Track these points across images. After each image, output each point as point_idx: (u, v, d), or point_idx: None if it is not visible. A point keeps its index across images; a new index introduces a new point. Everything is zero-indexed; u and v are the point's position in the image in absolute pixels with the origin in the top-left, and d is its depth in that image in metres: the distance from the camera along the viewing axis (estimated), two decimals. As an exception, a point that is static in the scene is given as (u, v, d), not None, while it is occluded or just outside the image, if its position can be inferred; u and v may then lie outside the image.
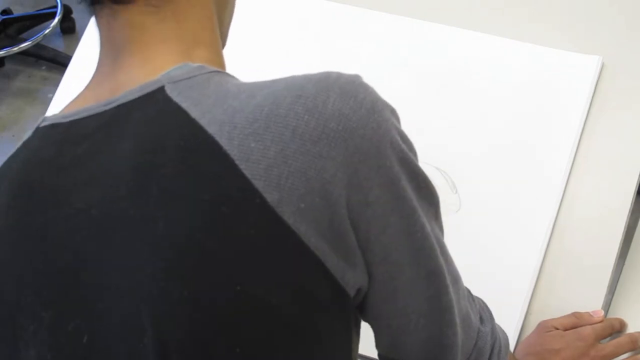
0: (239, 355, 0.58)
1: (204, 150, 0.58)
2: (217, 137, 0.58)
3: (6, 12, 3.04)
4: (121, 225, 0.60)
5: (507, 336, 0.78)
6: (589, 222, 0.98)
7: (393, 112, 0.63)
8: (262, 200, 0.57)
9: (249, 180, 0.57)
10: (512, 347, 0.95)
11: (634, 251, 1.03)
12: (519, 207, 1.00)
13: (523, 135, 1.02)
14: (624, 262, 1.02)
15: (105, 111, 0.64)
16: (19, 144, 0.70)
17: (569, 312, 0.95)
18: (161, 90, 0.62)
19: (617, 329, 0.94)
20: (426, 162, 1.05)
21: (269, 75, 1.18)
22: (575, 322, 0.94)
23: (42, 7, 3.09)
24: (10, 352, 0.65)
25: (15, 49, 2.85)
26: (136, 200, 0.60)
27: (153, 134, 0.61)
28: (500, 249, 0.99)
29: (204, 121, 0.59)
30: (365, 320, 0.68)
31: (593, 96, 1.02)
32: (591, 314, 0.94)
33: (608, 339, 0.94)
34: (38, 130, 0.68)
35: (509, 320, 0.95)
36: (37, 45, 2.88)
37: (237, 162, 0.57)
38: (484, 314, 0.75)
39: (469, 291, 0.74)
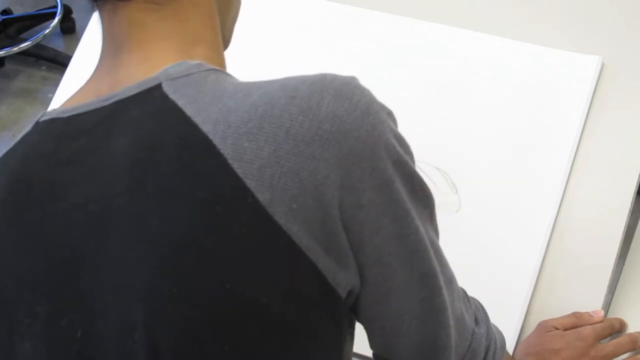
0: (228, 352, 0.59)
1: (198, 148, 0.58)
2: (211, 136, 0.58)
3: (6, 12, 3.04)
4: (117, 222, 0.60)
5: (503, 337, 0.78)
6: (589, 222, 0.98)
7: (389, 114, 0.63)
8: (254, 199, 0.57)
9: (241, 179, 0.57)
10: (512, 347, 0.95)
11: (634, 251, 1.03)
12: (519, 207, 1.00)
13: (523, 135, 1.02)
14: (624, 262, 1.02)
15: (104, 107, 0.64)
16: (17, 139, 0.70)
17: (569, 312, 0.95)
18: (158, 87, 0.62)
19: (617, 329, 0.94)
20: (426, 162, 1.05)
21: (269, 75, 1.18)
22: (575, 322, 0.94)
23: (42, 7, 3.09)
24: (5, 345, 0.65)
25: (15, 49, 2.85)
26: (132, 196, 0.60)
27: (150, 131, 0.61)
28: (500, 249, 0.99)
29: (198, 119, 0.59)
30: (359, 321, 0.68)
31: (593, 96, 1.02)
32: (591, 314, 0.94)
33: (608, 339, 0.94)
34: (37, 124, 0.68)
35: (509, 320, 0.96)
36: (37, 45, 2.88)
37: (230, 161, 0.57)
38: (479, 315, 0.75)
39: (464, 292, 0.74)
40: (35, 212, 0.64)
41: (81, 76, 0.71)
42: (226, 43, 0.76)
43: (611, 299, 0.99)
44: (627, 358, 0.92)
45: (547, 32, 1.06)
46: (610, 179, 0.99)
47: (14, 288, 0.65)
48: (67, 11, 3.02)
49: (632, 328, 0.95)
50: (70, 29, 3.08)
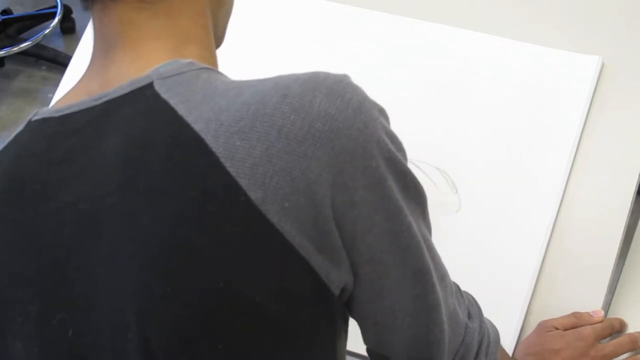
0: (222, 351, 0.59)
1: (190, 147, 0.58)
2: (203, 135, 0.58)
3: (6, 12, 3.04)
4: (109, 220, 0.60)
5: (497, 331, 0.79)
6: (589, 222, 0.98)
7: (381, 111, 0.63)
8: (247, 198, 0.57)
9: (233, 178, 0.57)
10: (512, 347, 0.95)
11: (634, 251, 1.03)
12: (519, 207, 1.00)
13: (523, 135, 1.02)
14: (624, 262, 1.02)
15: (96, 106, 0.64)
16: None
17: (569, 312, 0.95)
18: (150, 86, 0.62)
19: (617, 329, 0.94)
20: (426, 162, 1.05)
21: (269, 75, 1.18)
22: (575, 322, 0.94)
23: (42, 7, 3.09)
24: None
25: (15, 49, 2.85)
26: (124, 195, 0.60)
27: (141, 130, 0.61)
28: (500, 249, 0.99)
29: (190, 118, 0.59)
30: (352, 318, 0.68)
31: (593, 96, 1.02)
32: (591, 314, 0.94)
33: (608, 339, 0.94)
34: (30, 124, 0.68)
35: (509, 320, 0.96)
36: (37, 45, 2.88)
37: (222, 159, 0.57)
38: (473, 309, 0.75)
39: (457, 287, 0.74)
40: (28, 211, 0.64)
41: (81, 76, 0.71)
42: (219, 41, 0.76)
43: (611, 299, 0.99)
44: (627, 358, 0.92)
45: (547, 32, 1.06)
46: (610, 179, 0.99)
47: (7, 287, 0.65)
48: (67, 11, 3.02)
49: (632, 328, 0.95)
50: (70, 29, 3.08)
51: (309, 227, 0.58)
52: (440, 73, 1.05)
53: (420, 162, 1.05)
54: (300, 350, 0.62)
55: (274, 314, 0.59)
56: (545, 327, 0.94)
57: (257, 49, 1.14)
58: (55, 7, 2.98)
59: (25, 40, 2.89)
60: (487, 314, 0.96)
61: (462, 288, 0.97)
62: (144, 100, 0.62)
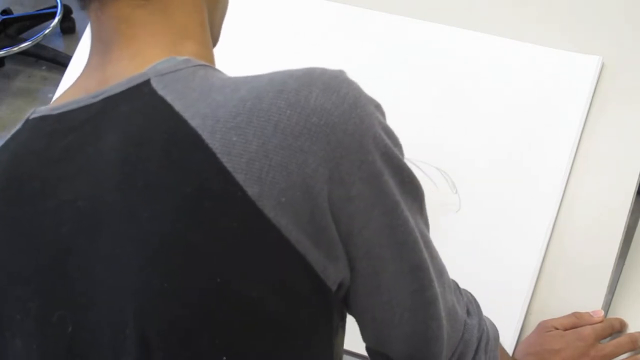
0: (219, 347, 0.59)
1: (187, 143, 0.59)
2: (200, 131, 0.58)
3: (6, 12, 3.04)
4: (107, 218, 0.61)
5: (496, 329, 0.79)
6: (589, 222, 0.98)
7: (377, 106, 0.63)
8: (243, 193, 0.57)
9: (230, 173, 0.57)
10: (512, 347, 0.95)
11: (634, 251, 1.03)
12: (519, 207, 1.00)
13: (523, 135, 1.02)
14: (624, 262, 1.02)
15: (93, 103, 0.64)
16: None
17: (569, 312, 0.95)
18: (147, 83, 0.62)
19: (617, 329, 0.94)
20: (426, 162, 1.05)
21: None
22: (575, 322, 0.94)
23: (42, 7, 3.09)
24: None
25: (15, 49, 2.85)
26: (122, 193, 0.60)
27: (139, 127, 0.61)
28: (500, 249, 0.99)
29: (187, 114, 0.59)
30: (350, 314, 0.68)
31: (593, 96, 1.02)
32: (591, 314, 0.94)
33: (608, 339, 0.94)
34: (27, 122, 0.68)
35: (509, 320, 0.96)
36: (37, 45, 2.87)
37: (218, 155, 0.58)
38: (471, 306, 0.75)
39: (456, 284, 0.74)
40: (27, 209, 0.65)
41: (79, 74, 0.71)
42: (215, 39, 0.76)
43: (611, 299, 0.99)
44: (627, 358, 0.92)
45: (547, 32, 1.06)
46: (610, 179, 0.99)
47: (6, 285, 0.65)
48: (67, 11, 3.02)
49: (632, 328, 0.95)
50: (70, 29, 3.08)
51: (305, 221, 0.59)
52: (440, 73, 1.05)
53: (420, 162, 1.05)
54: (297, 345, 0.62)
55: (271, 309, 0.59)
56: (545, 327, 0.94)
57: (257, 49, 1.14)
58: (55, 7, 2.98)
59: (25, 40, 2.89)
60: (487, 313, 0.96)
61: (462, 287, 0.97)
62: (141, 98, 0.62)
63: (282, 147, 0.58)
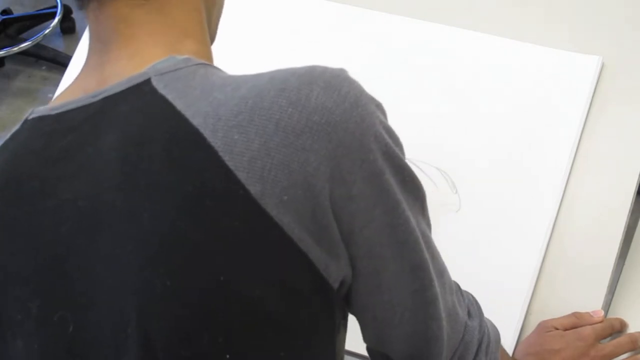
0: (221, 346, 0.59)
1: (189, 142, 0.59)
2: (202, 129, 0.58)
3: (6, 12, 3.04)
4: (107, 217, 0.60)
5: (498, 332, 0.79)
6: (589, 222, 0.98)
7: (378, 106, 0.63)
8: (246, 192, 0.57)
9: (232, 172, 0.57)
10: (512, 347, 0.95)
11: (634, 251, 1.03)
12: (519, 207, 1.00)
13: (523, 135, 1.02)
14: (624, 262, 1.02)
15: (93, 103, 0.64)
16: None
17: (569, 312, 0.95)
18: (147, 82, 0.62)
19: (618, 328, 0.94)
20: (426, 162, 1.05)
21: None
22: (576, 322, 0.94)
23: (42, 7, 3.09)
24: None
25: (15, 49, 2.85)
26: (122, 192, 0.60)
27: (139, 126, 0.61)
28: (500, 249, 0.99)
29: (189, 113, 0.59)
30: (351, 313, 0.68)
31: (593, 96, 1.02)
32: (591, 314, 0.94)
33: (608, 339, 0.94)
34: (26, 122, 0.68)
35: (509, 320, 0.96)
36: (37, 45, 2.87)
37: (220, 153, 0.58)
38: (472, 308, 0.75)
39: (457, 285, 0.74)
40: (26, 209, 0.64)
41: (77, 74, 0.71)
42: (212, 37, 0.76)
43: (611, 299, 0.99)
44: (627, 358, 0.92)
45: (547, 32, 1.06)
46: (610, 179, 0.99)
47: (6, 285, 0.65)
48: (67, 11, 3.02)
49: (632, 328, 0.95)
50: (70, 29, 3.08)
51: (307, 220, 0.59)
52: (441, 73, 1.05)
53: (420, 162, 1.05)
54: (299, 343, 0.62)
55: (274, 307, 0.59)
56: (545, 327, 0.94)
57: (257, 48, 1.14)
58: (55, 7, 2.98)
59: (25, 40, 2.89)
60: (487, 314, 0.96)
61: (462, 288, 0.97)
62: (141, 97, 0.62)
63: (284, 146, 0.58)
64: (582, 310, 0.95)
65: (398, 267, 0.64)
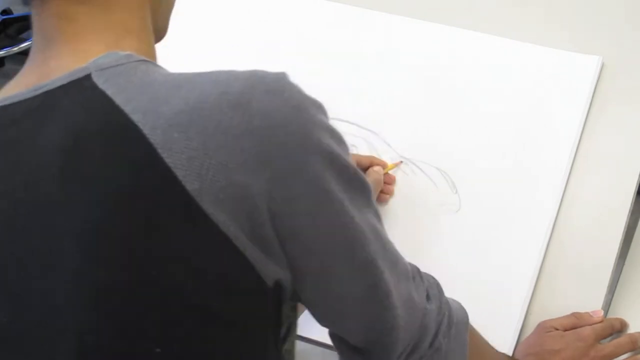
0: (154, 339, 0.59)
1: (127, 137, 0.59)
2: (141, 125, 0.59)
3: (6, 12, 3.03)
4: (44, 210, 0.61)
5: (465, 313, 0.80)
6: (589, 222, 0.98)
7: (319, 107, 0.64)
8: (182, 188, 0.58)
9: (170, 169, 0.58)
10: (512, 347, 0.95)
11: (634, 251, 1.03)
12: (519, 206, 1.00)
13: (523, 135, 1.02)
14: (624, 262, 1.02)
15: (34, 97, 0.64)
16: None
17: (569, 312, 0.95)
18: (88, 77, 0.62)
19: (618, 329, 0.94)
20: (426, 162, 1.05)
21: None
22: (575, 322, 0.94)
23: (42, 7, 3.09)
24: None
25: (15, 49, 2.84)
26: (60, 185, 0.60)
27: (79, 121, 0.61)
28: (500, 249, 0.99)
29: (128, 109, 0.60)
30: (305, 307, 0.69)
31: (593, 96, 1.02)
32: (591, 314, 0.94)
33: (608, 339, 0.93)
34: None
35: (509, 320, 0.96)
36: (37, 45, 2.87)
37: (159, 150, 0.58)
38: (432, 291, 0.76)
39: (415, 270, 0.75)
40: None
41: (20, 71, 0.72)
42: (160, 32, 0.76)
43: (611, 299, 0.99)
44: (627, 358, 0.92)
45: (547, 32, 1.06)
46: (610, 179, 0.99)
47: None
48: (67, 11, 3.02)
49: (632, 328, 0.95)
50: (70, 29, 3.08)
51: (243, 218, 0.59)
52: (440, 73, 1.05)
53: (420, 162, 1.05)
54: (233, 341, 0.62)
55: (207, 305, 0.60)
56: (545, 328, 0.94)
57: (257, 48, 1.14)
58: (55, 7, 2.97)
59: (25, 40, 2.88)
60: (487, 313, 0.96)
61: (461, 288, 0.97)
62: (82, 92, 0.62)
63: (223, 147, 0.58)
64: (582, 310, 0.95)
65: (346, 265, 0.65)
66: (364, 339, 0.70)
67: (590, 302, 0.96)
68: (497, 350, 0.90)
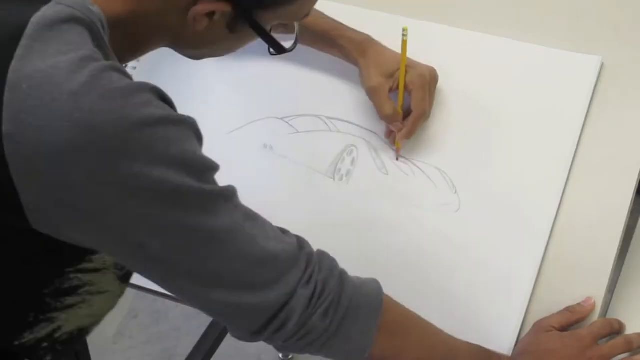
0: None
1: None
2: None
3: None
4: None
5: (377, 300, 0.82)
6: (589, 222, 0.98)
7: (162, 120, 0.66)
8: None
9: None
10: (512, 347, 0.95)
11: (634, 251, 1.03)
12: (519, 207, 1.00)
13: (523, 135, 1.03)
14: (624, 262, 1.02)
15: None
16: None
17: (568, 312, 0.95)
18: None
19: (616, 329, 0.94)
20: (426, 162, 1.05)
21: (268, 75, 1.17)
22: (570, 317, 0.94)
23: (44, 7, 3.09)
24: None
25: None
26: None
27: None
28: (500, 249, 0.99)
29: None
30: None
31: (593, 96, 1.02)
32: (582, 304, 0.94)
33: (606, 339, 0.93)
34: None
35: (509, 320, 0.96)
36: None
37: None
38: (317, 276, 0.78)
39: (297, 245, 0.78)
40: None
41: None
42: (186, 52, 0.85)
43: (611, 299, 0.99)
44: (625, 358, 0.92)
45: (547, 32, 1.06)
46: (610, 179, 0.99)
47: None
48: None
49: (631, 328, 0.95)
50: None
51: (50, 191, 0.64)
52: (440, 73, 1.05)
53: (420, 162, 1.05)
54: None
55: None
56: (542, 327, 0.93)
57: (257, 48, 1.14)
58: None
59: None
60: (487, 313, 0.96)
61: (461, 288, 0.98)
62: None
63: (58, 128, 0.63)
64: (581, 310, 0.95)
65: (173, 273, 0.71)
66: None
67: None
68: (466, 342, 0.90)
